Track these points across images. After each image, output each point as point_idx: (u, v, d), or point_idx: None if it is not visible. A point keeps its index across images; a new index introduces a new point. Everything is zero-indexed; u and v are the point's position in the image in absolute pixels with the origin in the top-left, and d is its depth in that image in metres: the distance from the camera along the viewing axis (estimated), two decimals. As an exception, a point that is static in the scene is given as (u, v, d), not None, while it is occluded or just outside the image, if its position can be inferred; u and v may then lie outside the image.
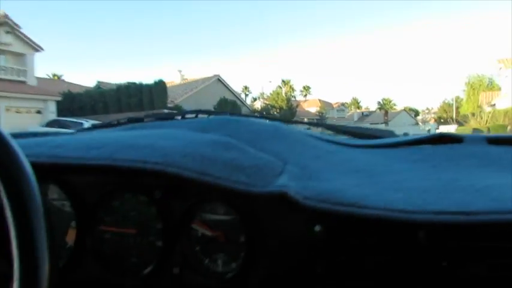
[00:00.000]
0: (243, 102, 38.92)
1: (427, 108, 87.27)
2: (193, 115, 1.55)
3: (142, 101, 27.18)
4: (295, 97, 62.70)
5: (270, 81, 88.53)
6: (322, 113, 52.59)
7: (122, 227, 1.02)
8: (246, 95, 67.65)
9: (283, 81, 62.41)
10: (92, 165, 0.86)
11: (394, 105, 77.57)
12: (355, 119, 60.71)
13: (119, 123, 1.58)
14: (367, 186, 0.81)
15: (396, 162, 1.03)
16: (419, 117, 76.24)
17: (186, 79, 39.09)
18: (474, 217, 0.69)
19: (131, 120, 1.57)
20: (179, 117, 1.53)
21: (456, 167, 0.95)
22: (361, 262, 0.81)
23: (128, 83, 28.57)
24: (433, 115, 75.82)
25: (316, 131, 1.66)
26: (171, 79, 39.47)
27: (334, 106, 68.89)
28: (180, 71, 40.74)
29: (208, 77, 36.54)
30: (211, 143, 0.93)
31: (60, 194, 1.02)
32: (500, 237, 0.73)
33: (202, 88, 34.53)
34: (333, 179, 0.86)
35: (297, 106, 47.59)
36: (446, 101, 65.49)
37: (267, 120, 1.50)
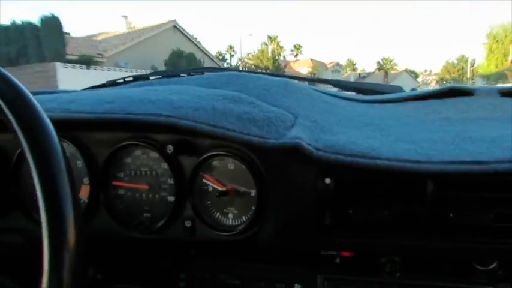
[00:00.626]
0: (208, 55, 29.85)
1: (426, 70, 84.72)
2: (200, 72, 1.55)
3: (27, 50, 18.11)
4: (284, 57, 57.16)
5: (251, 35, 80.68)
6: (314, 74, 48.71)
7: (134, 183, 1.04)
8: (232, 56, 58.98)
9: (269, 37, 53.33)
10: (105, 119, 0.87)
11: (395, 65, 73.17)
12: (352, 80, 58.61)
13: (124, 82, 1.58)
14: (378, 139, 0.82)
15: (406, 115, 1.03)
16: (419, 79, 73.58)
17: (133, 27, 29.20)
18: (487, 166, 0.70)
19: (137, 78, 1.57)
20: (185, 75, 1.53)
21: (467, 119, 0.96)
22: (370, 214, 0.83)
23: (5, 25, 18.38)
24: (434, 77, 73.69)
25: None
26: (116, 28, 30.70)
27: (328, 66, 63.60)
28: (125, 17, 30.17)
29: (161, 24, 27.19)
30: (222, 97, 0.94)
31: (72, 150, 1.04)
32: (509, 187, 0.75)
33: (150, 38, 25.76)
34: (344, 132, 0.87)
35: (285, 66, 44.02)
36: (450, 61, 63.13)
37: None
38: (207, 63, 27.22)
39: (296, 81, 1.26)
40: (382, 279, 0.96)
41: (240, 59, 55.19)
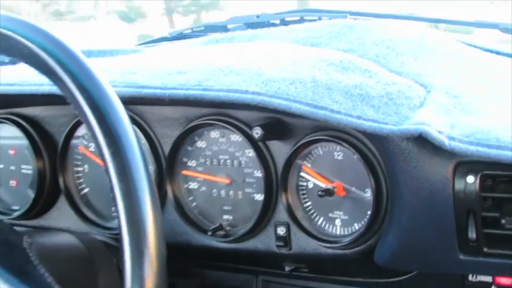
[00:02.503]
0: None
1: None
2: (297, 17, 1.61)
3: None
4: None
5: None
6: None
7: (210, 174, 1.18)
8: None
9: None
10: (178, 96, 0.99)
11: None
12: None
13: (193, 33, 1.72)
14: None
15: None
16: None
17: None
18: None
19: (209, 28, 1.69)
20: (277, 21, 1.61)
21: None
22: None
23: None
24: None
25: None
26: None
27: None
28: None
29: None
30: (326, 63, 1.01)
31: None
32: None
33: None
34: (496, 112, 0.90)
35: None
36: None
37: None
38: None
39: (439, 32, 1.30)
40: None
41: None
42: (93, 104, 0.66)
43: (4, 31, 0.70)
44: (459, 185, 0.88)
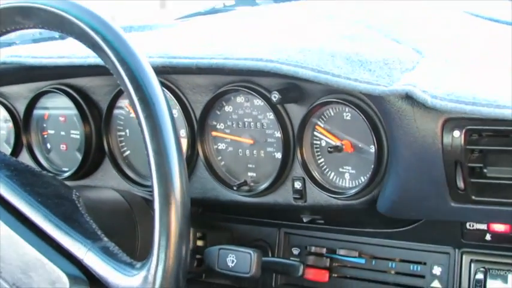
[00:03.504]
0: None
1: None
2: None
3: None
4: None
5: None
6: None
7: (236, 135, 1.35)
8: None
9: None
10: (203, 65, 1.15)
11: None
12: None
13: (225, 7, 1.87)
14: None
15: None
16: None
17: None
18: None
19: (240, 2, 1.84)
20: None
21: None
22: (509, 171, 1.00)
23: None
24: None
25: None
26: None
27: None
28: None
29: None
30: (333, 33, 1.15)
31: (167, 97, 1.36)
32: None
33: None
34: (480, 74, 1.02)
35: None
36: None
37: None
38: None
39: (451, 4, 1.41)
40: None
41: None
42: (131, 75, 0.82)
43: (58, 11, 0.85)
44: (447, 139, 1.01)
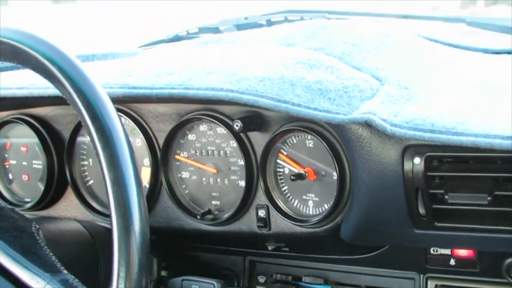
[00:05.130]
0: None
1: None
2: (282, 18, 1.77)
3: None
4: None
5: None
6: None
7: (199, 163, 1.35)
8: None
9: None
10: (162, 95, 1.15)
11: None
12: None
13: (188, 35, 1.88)
14: (480, 108, 0.99)
15: None
16: None
17: None
18: None
19: (203, 30, 1.86)
20: (264, 22, 1.77)
21: None
22: (472, 199, 1.02)
23: None
24: None
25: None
26: None
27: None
28: None
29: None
30: (295, 61, 1.16)
31: (131, 126, 1.36)
32: None
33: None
34: (439, 101, 1.05)
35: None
36: None
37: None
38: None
39: (405, 28, 1.44)
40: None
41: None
42: (88, 105, 0.81)
43: (13, 43, 0.85)
44: (407, 165, 1.03)
